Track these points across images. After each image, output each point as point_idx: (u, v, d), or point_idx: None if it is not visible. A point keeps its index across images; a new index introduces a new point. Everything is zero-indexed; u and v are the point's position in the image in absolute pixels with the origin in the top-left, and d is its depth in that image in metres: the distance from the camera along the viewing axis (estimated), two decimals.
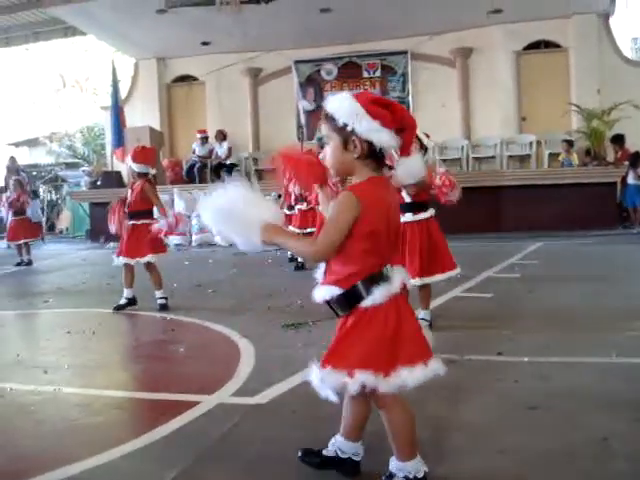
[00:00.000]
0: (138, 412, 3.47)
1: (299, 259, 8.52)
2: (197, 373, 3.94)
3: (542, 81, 14.62)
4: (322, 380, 2.12)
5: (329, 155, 2.17)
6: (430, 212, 4.71)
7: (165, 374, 4.00)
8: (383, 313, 2.13)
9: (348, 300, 2.14)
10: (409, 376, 2.09)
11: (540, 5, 13.43)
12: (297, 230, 8.56)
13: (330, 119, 2.13)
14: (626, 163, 12.79)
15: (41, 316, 6.39)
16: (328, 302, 2.19)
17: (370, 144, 2.09)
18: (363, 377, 2.07)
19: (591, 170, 12.72)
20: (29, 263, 10.74)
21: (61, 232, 19.08)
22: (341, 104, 2.11)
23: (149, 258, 6.04)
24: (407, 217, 4.56)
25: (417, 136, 4.48)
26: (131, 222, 6.06)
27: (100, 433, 3.02)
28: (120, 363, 4.42)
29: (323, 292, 2.18)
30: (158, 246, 6.15)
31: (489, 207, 12.23)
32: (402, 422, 2.22)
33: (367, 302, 2.12)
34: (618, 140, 13.29)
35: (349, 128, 2.08)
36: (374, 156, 2.13)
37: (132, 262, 6.04)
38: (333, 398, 2.16)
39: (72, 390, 3.67)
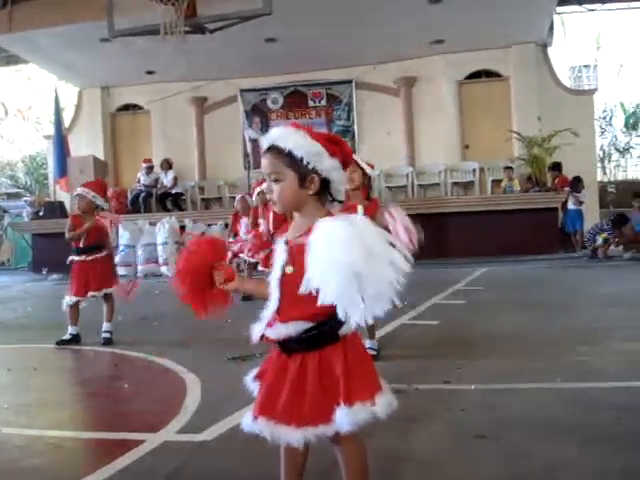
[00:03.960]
0: (81, 452, 3.36)
1: None
2: (142, 410, 3.85)
3: (484, 109, 14.96)
4: (352, 419, 1.97)
5: (281, 192, 2.11)
6: None
7: (109, 412, 3.91)
8: (357, 338, 2.12)
9: (331, 330, 2.04)
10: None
11: (480, 36, 13.79)
12: (249, 258, 8.40)
13: (285, 155, 2.06)
14: (566, 189, 13.13)
15: None
16: (288, 339, 2.06)
17: (324, 180, 2.08)
18: (384, 400, 2.02)
19: (533, 196, 13.02)
20: None
21: (2, 264, 18.63)
22: (299, 141, 2.05)
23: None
24: None
25: (360, 165, 4.50)
26: (94, 256, 5.96)
27: (42, 475, 2.91)
28: (62, 401, 4.29)
29: (286, 329, 2.05)
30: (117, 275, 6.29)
31: (434, 233, 12.36)
32: (360, 455, 2.15)
33: (348, 328, 2.04)
34: (555, 168, 13.64)
35: (310, 166, 2.04)
36: (325, 191, 2.11)
37: (100, 294, 5.95)
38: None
39: (12, 430, 3.54)
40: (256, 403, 2.11)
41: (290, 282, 2.05)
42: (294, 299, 2.04)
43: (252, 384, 2.19)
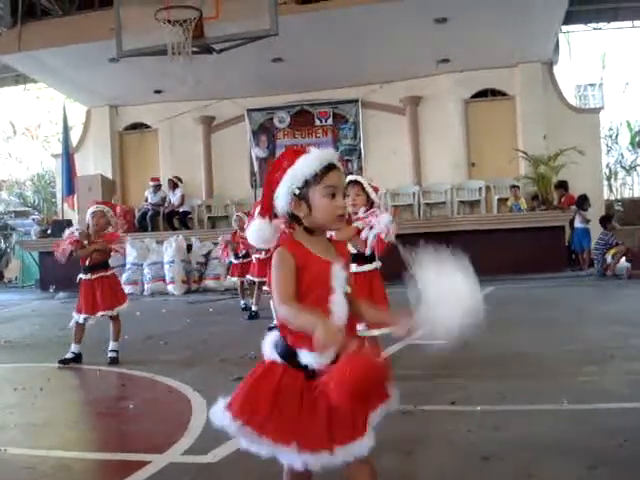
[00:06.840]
0: (87, 474, 3.36)
1: (253, 307, 8.44)
2: (147, 430, 3.86)
3: (490, 128, 14.97)
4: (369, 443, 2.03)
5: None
6: (375, 265, 4.69)
7: (115, 432, 3.91)
8: None
9: None
10: None
11: (486, 54, 13.84)
12: (256, 279, 8.38)
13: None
14: (572, 207, 13.12)
15: None
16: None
17: None
18: None
19: (539, 215, 12.99)
20: None
21: (10, 282, 18.68)
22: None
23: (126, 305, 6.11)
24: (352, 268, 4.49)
25: (364, 189, 4.44)
26: (99, 274, 6.02)
27: None
28: (69, 421, 4.29)
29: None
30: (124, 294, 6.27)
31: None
32: (372, 477, 2.08)
33: None
34: (562, 186, 13.65)
35: None
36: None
37: (114, 313, 5.98)
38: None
39: (19, 451, 3.54)
40: (277, 431, 2.02)
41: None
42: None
43: (223, 416, 2.10)
